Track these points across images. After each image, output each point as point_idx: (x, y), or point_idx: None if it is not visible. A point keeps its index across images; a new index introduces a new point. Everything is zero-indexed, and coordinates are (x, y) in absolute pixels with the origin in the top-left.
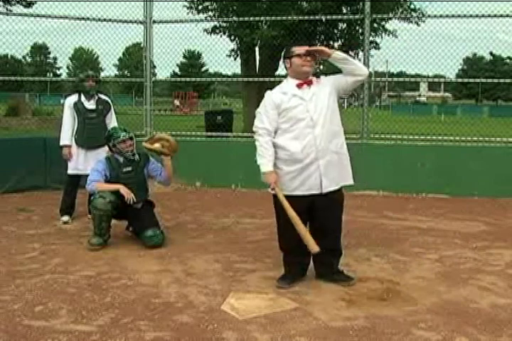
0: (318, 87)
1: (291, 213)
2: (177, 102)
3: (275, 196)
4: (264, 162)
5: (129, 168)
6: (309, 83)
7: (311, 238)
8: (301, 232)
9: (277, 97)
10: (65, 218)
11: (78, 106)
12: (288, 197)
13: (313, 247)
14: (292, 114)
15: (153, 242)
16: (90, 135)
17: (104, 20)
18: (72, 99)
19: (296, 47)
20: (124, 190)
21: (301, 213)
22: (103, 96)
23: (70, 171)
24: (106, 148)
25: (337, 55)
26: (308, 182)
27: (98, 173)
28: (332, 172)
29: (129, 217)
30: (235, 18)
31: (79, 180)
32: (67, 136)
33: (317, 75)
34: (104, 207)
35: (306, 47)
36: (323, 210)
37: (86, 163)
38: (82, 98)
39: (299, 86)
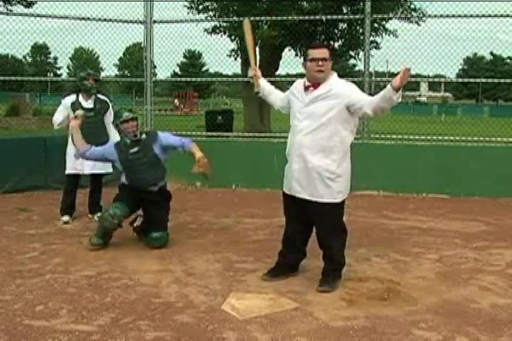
0: (327, 95)
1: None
2: (177, 102)
3: (284, 194)
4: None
5: (136, 149)
6: (316, 87)
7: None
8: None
9: (294, 86)
10: (66, 218)
11: (76, 106)
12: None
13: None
14: (292, 110)
15: (157, 244)
16: (87, 134)
17: (105, 20)
18: (70, 99)
19: (313, 50)
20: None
21: (295, 214)
22: (101, 96)
23: (67, 171)
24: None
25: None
26: (287, 182)
27: (100, 149)
28: (306, 181)
29: (143, 206)
30: (235, 18)
31: (78, 180)
32: (59, 118)
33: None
34: (111, 225)
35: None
36: (314, 219)
37: (84, 162)
38: (80, 98)
39: (306, 88)
